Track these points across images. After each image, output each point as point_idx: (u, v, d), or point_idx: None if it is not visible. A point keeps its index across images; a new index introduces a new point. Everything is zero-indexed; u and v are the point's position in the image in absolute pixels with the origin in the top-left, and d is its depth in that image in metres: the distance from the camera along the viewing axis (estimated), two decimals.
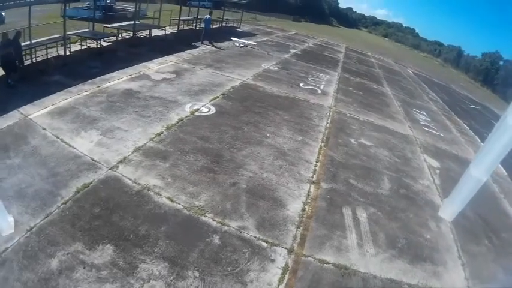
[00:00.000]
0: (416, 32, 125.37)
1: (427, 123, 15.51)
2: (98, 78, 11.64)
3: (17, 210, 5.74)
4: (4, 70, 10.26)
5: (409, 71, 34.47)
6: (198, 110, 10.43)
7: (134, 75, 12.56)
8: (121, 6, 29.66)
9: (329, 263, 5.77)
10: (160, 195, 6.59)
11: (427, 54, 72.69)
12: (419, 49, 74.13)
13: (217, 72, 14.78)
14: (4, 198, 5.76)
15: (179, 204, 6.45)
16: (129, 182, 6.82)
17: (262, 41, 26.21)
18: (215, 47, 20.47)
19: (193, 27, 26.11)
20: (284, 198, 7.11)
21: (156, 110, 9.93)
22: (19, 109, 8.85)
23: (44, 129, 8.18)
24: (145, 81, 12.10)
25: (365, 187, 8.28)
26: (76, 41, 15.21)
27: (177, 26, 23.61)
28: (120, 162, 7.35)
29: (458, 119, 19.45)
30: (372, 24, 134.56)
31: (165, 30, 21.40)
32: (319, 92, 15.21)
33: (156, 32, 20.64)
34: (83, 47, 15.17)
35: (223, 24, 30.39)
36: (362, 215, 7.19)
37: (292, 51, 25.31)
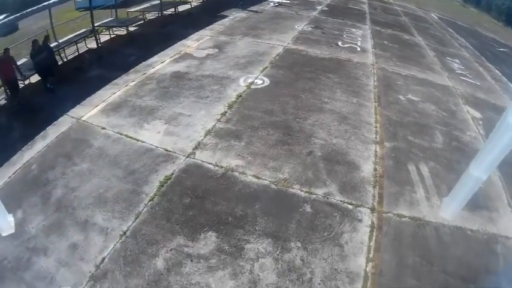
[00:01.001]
0: None
1: (462, 72, 14.76)
2: (140, 65, 10.99)
3: (102, 216, 5.37)
4: (41, 76, 9.60)
5: (433, 16, 32.18)
6: (252, 83, 10.07)
7: (176, 56, 11.91)
8: None
9: (406, 217, 6.01)
10: (245, 174, 6.48)
11: None
12: None
13: (257, 40, 14.17)
14: (84, 208, 5.48)
15: (265, 180, 6.39)
16: (211, 166, 6.59)
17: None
18: (250, 10, 19.62)
19: None
20: (356, 160, 7.23)
21: (212, 89, 9.50)
22: (68, 113, 8.19)
23: (103, 128, 7.62)
24: (190, 61, 11.51)
25: (422, 142, 8.27)
26: (101, 32, 14.25)
27: None
28: (196, 148, 7.09)
29: (490, 65, 18.27)
30: None
31: (190, 4, 20.19)
32: (359, 49, 14.56)
33: (180, 8, 19.29)
34: (112, 36, 14.34)
35: None
36: (424, 170, 7.29)
37: (318, 7, 23.91)
